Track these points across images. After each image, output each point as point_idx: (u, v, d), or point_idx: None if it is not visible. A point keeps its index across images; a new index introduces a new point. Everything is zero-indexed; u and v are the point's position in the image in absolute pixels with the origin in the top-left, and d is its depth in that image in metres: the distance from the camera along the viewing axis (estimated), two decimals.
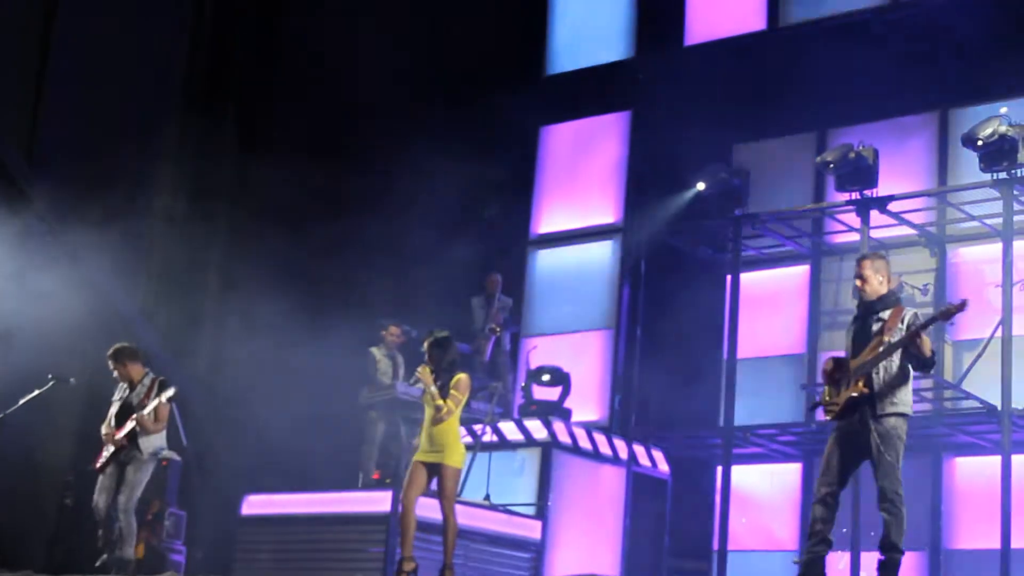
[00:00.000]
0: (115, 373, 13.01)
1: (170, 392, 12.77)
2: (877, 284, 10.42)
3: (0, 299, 17.29)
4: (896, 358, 10.14)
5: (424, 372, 11.97)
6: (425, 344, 12.17)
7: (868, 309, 10.41)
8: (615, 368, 20.11)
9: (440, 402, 11.79)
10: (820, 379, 10.60)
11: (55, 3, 19.46)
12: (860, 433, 10.13)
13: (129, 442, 12.65)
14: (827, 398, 10.39)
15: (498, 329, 18.36)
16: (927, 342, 10.07)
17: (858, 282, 10.48)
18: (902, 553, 9.97)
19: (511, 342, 19.25)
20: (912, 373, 10.23)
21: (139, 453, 12.63)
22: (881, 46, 18.62)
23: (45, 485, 17.60)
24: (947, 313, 10.17)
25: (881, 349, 10.13)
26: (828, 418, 10.43)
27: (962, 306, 10.10)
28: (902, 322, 10.17)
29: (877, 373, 10.14)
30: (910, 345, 10.05)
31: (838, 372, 10.35)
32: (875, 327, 10.25)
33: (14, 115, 19.05)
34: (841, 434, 10.25)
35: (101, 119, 19.29)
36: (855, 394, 10.13)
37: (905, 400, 10.15)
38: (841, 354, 10.59)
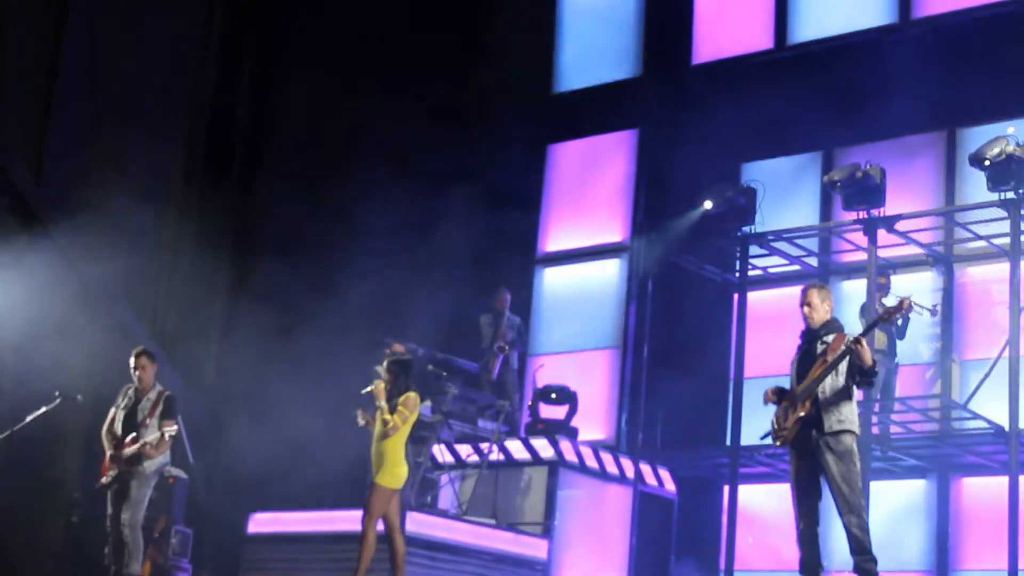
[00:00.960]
0: (137, 371, 13.01)
1: (172, 430, 12.80)
2: (824, 312, 10.61)
3: (7, 316, 17.32)
4: (840, 376, 10.29)
5: (378, 386, 12.31)
6: (385, 362, 12.50)
7: (813, 335, 10.59)
8: (622, 387, 20.11)
9: (388, 416, 12.13)
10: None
11: (63, 21, 19.50)
12: (815, 449, 10.24)
13: (132, 463, 12.68)
14: (776, 425, 10.51)
15: (507, 347, 18.31)
16: (867, 351, 10.19)
17: (805, 309, 10.70)
18: (876, 561, 10.13)
19: (519, 361, 19.21)
20: (855, 392, 10.39)
21: (142, 470, 12.67)
22: (888, 65, 18.64)
23: (52, 502, 17.61)
24: (885, 316, 10.40)
25: (823, 367, 10.28)
26: (778, 444, 10.55)
27: (900, 306, 10.32)
28: (846, 344, 10.30)
29: (823, 392, 10.28)
30: (851, 354, 10.15)
31: (784, 399, 10.48)
32: (819, 349, 10.40)
33: (23, 136, 19.09)
34: (799, 457, 10.36)
35: (109, 140, 19.33)
36: (802, 414, 10.26)
37: (851, 417, 10.36)
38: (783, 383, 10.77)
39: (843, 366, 10.34)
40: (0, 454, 16.32)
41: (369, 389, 12.57)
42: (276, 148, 21.84)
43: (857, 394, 10.63)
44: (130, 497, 12.63)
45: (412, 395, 12.51)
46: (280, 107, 21.89)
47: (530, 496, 16.73)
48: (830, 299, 10.83)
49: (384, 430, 12.31)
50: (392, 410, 12.37)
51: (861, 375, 10.33)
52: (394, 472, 12.37)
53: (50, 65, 19.42)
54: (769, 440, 10.80)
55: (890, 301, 17.23)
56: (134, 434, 12.76)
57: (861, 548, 10.12)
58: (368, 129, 21.12)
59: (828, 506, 10.63)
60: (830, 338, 10.46)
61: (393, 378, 12.56)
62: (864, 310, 17.00)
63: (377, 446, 12.39)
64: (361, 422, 12.67)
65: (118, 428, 12.91)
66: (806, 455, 10.34)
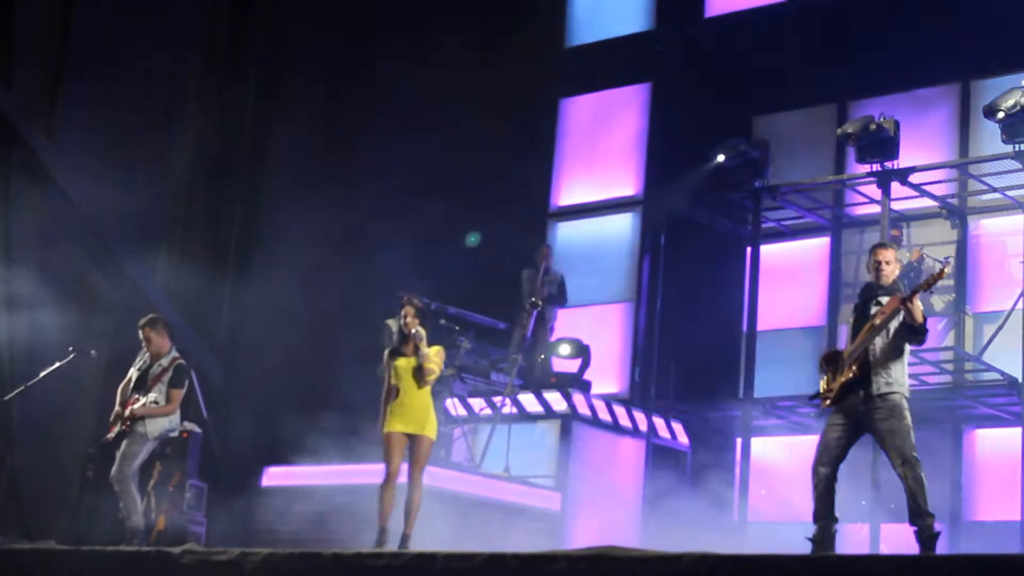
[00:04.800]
0: (144, 342, 13.03)
1: (153, 396, 12.77)
2: (894, 273, 10.48)
3: (22, 273, 17.37)
4: (889, 337, 10.16)
5: (420, 330, 11.94)
6: (410, 308, 12.09)
7: (870, 296, 10.46)
8: (635, 340, 20.12)
9: (427, 351, 11.87)
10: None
11: None
12: (862, 412, 10.14)
13: (132, 422, 12.70)
14: (823, 387, 10.46)
15: (539, 303, 18.03)
16: (919, 308, 10.08)
17: (885, 267, 10.44)
18: (934, 517, 9.95)
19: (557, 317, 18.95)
20: (907, 353, 10.23)
21: (141, 428, 12.68)
22: (902, 17, 18.55)
23: (66, 457, 17.67)
24: (930, 282, 10.24)
25: (871, 330, 10.18)
26: (825, 406, 10.46)
27: (942, 274, 10.24)
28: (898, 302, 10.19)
29: (873, 355, 10.16)
30: (902, 313, 10.06)
31: (833, 362, 10.41)
32: (872, 311, 10.31)
33: (36, 90, 19.07)
34: (840, 415, 10.27)
35: (122, 96, 19.30)
36: (849, 376, 10.18)
37: (900, 380, 10.15)
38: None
39: (894, 325, 10.17)
40: (15, 409, 16.39)
41: (413, 332, 11.99)
42: (289, 104, 21.80)
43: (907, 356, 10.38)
44: (121, 452, 12.65)
45: (440, 347, 12.21)
46: (292, 50, 21.79)
47: (543, 449, 16.80)
48: (897, 260, 10.75)
49: (424, 379, 11.87)
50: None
51: (912, 332, 10.18)
52: (435, 425, 12.11)
53: (63, 21, 19.38)
54: (818, 401, 10.70)
55: (902, 254, 17.21)
56: (137, 396, 12.80)
57: (917, 508, 9.93)
58: (381, 84, 21.09)
59: (847, 463, 10.57)
60: (885, 300, 10.33)
61: (420, 321, 12.08)
62: None
63: (417, 397, 11.97)
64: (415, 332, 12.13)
65: (130, 388, 12.94)
66: (850, 416, 10.22)
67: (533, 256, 18.68)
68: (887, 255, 10.52)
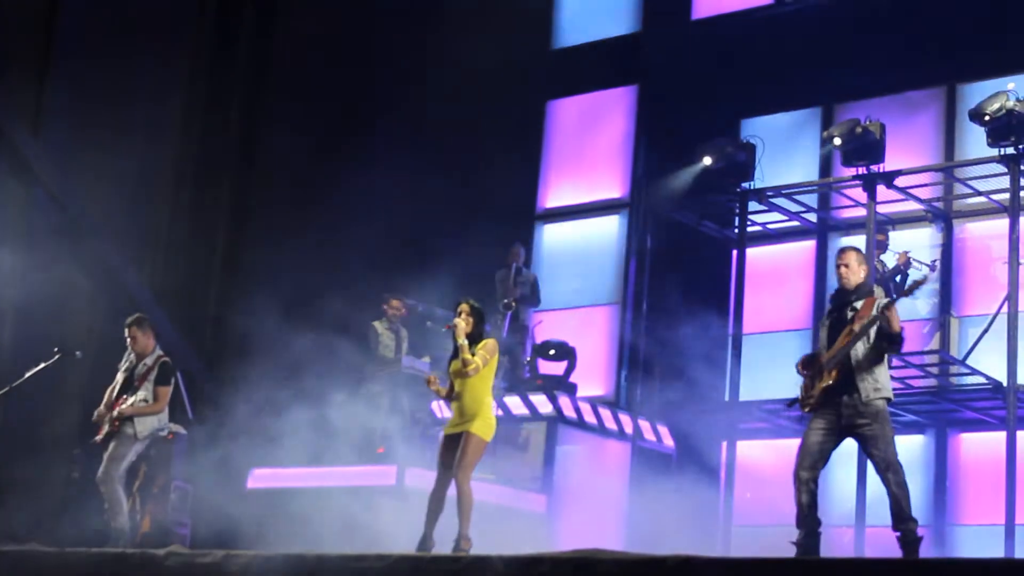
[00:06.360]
0: (129, 341, 13.00)
1: (144, 395, 12.73)
2: (860, 275, 10.47)
3: (7, 273, 17.34)
4: (871, 342, 10.16)
5: (459, 325, 11.66)
6: (467, 306, 11.80)
7: (843, 301, 10.46)
8: (621, 343, 20.12)
9: (468, 356, 11.66)
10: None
11: None
12: (846, 417, 10.14)
13: (121, 423, 12.67)
14: (803, 393, 10.44)
15: (513, 304, 17.98)
16: (895, 318, 10.08)
17: (842, 269, 10.46)
18: (917, 522, 9.99)
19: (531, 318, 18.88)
20: (887, 356, 10.25)
21: (130, 430, 12.63)
22: (889, 20, 18.58)
23: (51, 458, 17.65)
24: (911, 289, 10.26)
25: (850, 335, 10.18)
26: (805, 411, 10.46)
27: (924, 280, 10.25)
28: (876, 309, 10.18)
29: (856, 360, 10.15)
30: (881, 320, 10.06)
31: (811, 367, 10.39)
32: (848, 316, 10.30)
33: (20, 89, 19.04)
34: (822, 419, 10.27)
35: (107, 93, 19.28)
36: (829, 383, 10.17)
37: (885, 384, 10.20)
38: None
39: (874, 329, 10.15)
40: None
41: (451, 326, 11.74)
42: (278, 101, 21.77)
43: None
44: (108, 453, 12.62)
45: (491, 341, 11.81)
46: (282, 65, 21.78)
47: (528, 452, 16.77)
48: (866, 263, 10.71)
49: (465, 370, 11.52)
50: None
51: (889, 341, 10.20)
52: (489, 422, 11.67)
53: (49, 18, 19.35)
54: (797, 406, 10.67)
55: (888, 257, 17.23)
56: (125, 396, 12.77)
57: (900, 513, 9.96)
58: (368, 88, 21.07)
59: (829, 464, 10.58)
60: (859, 304, 10.31)
61: (473, 323, 11.76)
62: None
63: (467, 394, 11.63)
64: (436, 388, 12.01)
65: (116, 390, 12.91)
66: (831, 421, 10.21)
67: (505, 257, 18.63)
68: (845, 258, 10.51)
